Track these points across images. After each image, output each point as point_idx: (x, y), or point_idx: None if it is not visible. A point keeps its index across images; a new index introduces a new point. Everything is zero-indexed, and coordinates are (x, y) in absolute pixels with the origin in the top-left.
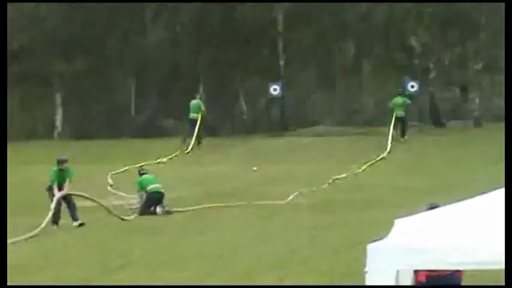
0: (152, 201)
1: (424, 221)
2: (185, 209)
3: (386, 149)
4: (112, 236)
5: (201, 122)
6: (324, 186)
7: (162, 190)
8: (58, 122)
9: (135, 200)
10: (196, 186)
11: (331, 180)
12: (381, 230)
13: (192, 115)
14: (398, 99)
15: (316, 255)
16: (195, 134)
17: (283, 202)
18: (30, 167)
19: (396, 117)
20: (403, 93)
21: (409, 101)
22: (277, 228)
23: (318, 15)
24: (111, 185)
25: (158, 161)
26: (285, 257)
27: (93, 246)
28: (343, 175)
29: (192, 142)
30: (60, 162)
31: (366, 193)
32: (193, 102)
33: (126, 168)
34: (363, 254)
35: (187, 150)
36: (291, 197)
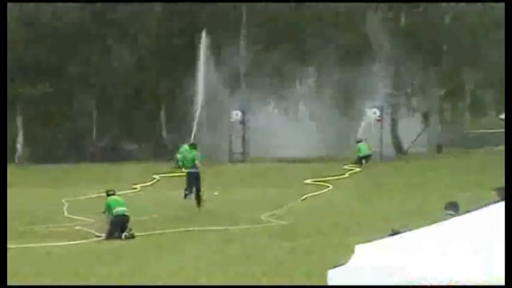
0: (117, 226)
1: (386, 246)
2: (149, 233)
3: (345, 175)
4: (75, 261)
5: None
6: (285, 210)
7: (128, 213)
8: (19, 146)
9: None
10: (160, 210)
11: (291, 205)
12: (342, 255)
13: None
14: (362, 145)
15: (289, 280)
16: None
17: (244, 226)
18: None
19: (364, 156)
20: (361, 139)
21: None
22: (239, 253)
23: (279, 42)
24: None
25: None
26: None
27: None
28: (303, 197)
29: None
30: None
31: (325, 218)
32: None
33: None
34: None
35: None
36: (254, 221)
